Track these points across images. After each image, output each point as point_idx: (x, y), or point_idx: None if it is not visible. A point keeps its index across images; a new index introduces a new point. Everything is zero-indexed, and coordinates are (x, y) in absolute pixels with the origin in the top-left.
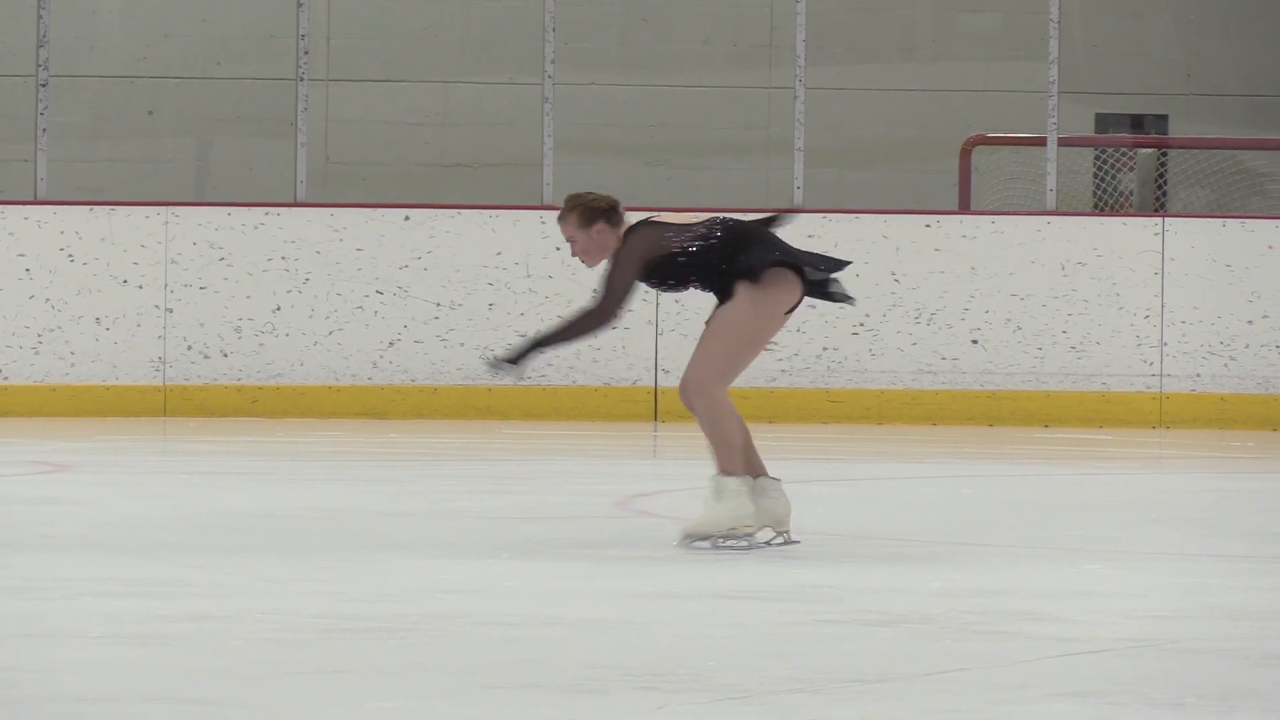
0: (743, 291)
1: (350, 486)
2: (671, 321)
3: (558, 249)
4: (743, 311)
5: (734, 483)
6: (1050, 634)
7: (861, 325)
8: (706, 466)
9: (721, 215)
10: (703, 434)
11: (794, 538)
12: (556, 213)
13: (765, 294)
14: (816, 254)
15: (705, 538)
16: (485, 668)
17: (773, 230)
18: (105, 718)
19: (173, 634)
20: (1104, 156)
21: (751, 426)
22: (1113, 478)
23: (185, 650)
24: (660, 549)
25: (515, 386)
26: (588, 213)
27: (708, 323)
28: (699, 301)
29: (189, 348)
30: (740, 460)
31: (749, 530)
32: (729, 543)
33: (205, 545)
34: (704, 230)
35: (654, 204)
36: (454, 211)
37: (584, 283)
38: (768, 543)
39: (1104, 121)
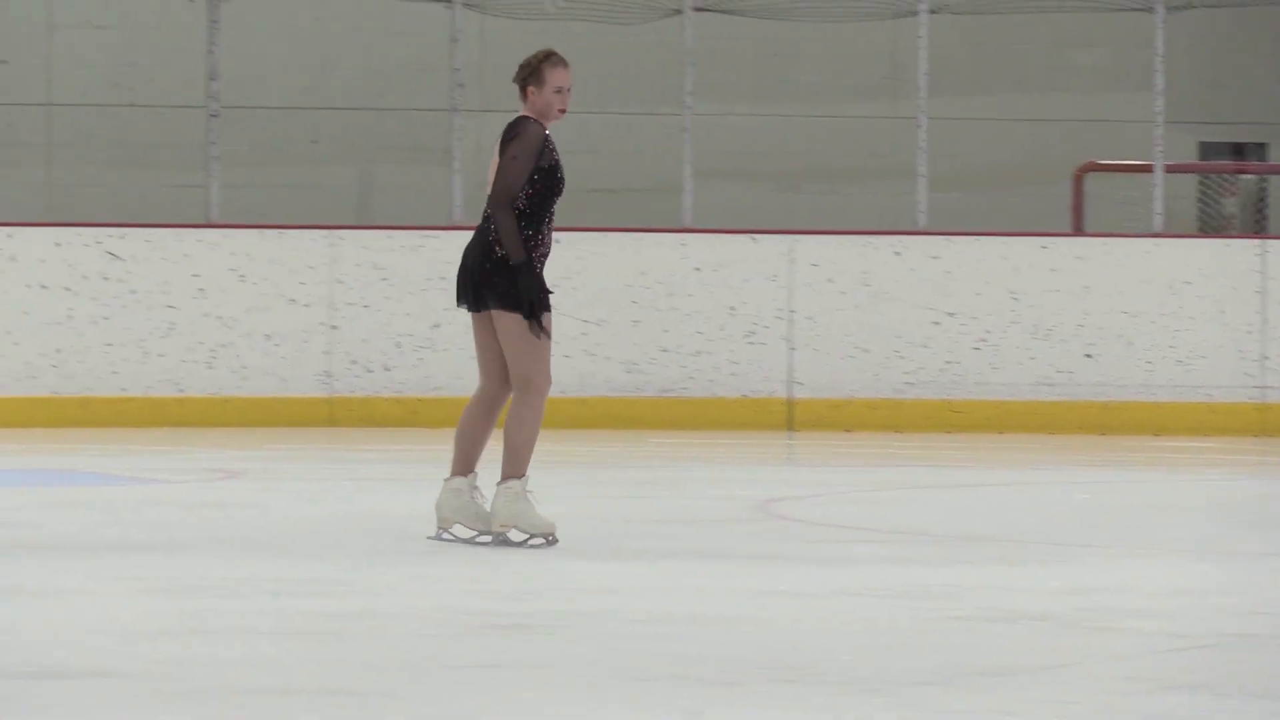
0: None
1: None
2: (805, 337)
3: (697, 269)
4: None
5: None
6: (1158, 629)
7: (983, 341)
8: (844, 474)
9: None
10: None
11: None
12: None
13: None
14: None
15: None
16: (631, 661)
17: None
18: (273, 708)
19: (337, 630)
20: (1208, 182)
21: (877, 436)
22: (1217, 483)
23: (349, 646)
24: (795, 549)
25: (658, 399)
26: None
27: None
28: (832, 317)
29: (353, 362)
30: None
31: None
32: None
33: (366, 547)
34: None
35: (788, 226)
36: (599, 234)
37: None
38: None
39: (1207, 149)
